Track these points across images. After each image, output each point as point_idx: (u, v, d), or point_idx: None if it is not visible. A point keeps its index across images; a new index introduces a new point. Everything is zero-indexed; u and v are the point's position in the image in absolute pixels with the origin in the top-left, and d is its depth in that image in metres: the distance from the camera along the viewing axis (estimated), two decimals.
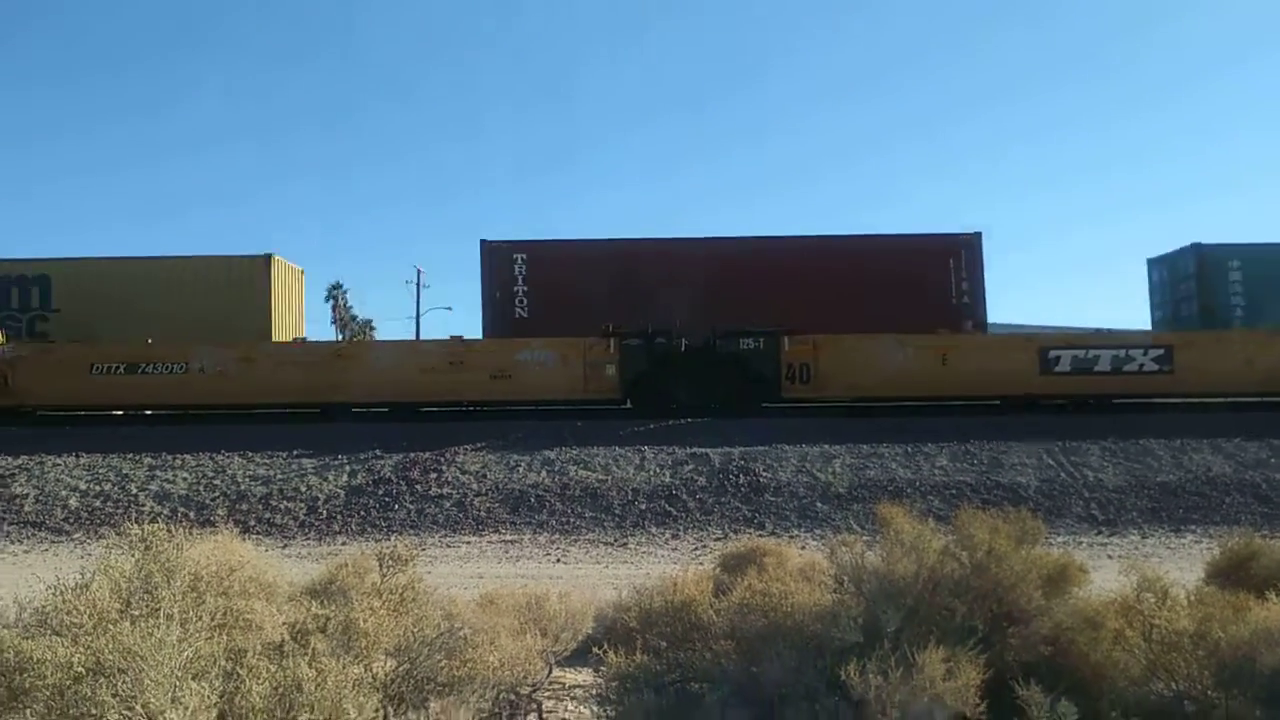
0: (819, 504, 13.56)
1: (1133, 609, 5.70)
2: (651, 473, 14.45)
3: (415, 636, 4.59)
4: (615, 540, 12.56)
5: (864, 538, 9.89)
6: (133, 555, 3.91)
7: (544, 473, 14.51)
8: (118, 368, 18.59)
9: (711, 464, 14.73)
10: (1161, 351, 18.69)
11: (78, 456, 15.63)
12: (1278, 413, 17.57)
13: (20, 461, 15.42)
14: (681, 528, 13.01)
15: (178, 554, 3.94)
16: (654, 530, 12.91)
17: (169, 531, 4.12)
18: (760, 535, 12.13)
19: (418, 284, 46.71)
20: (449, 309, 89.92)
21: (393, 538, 12.84)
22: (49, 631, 3.43)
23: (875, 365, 18.68)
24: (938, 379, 18.65)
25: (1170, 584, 6.05)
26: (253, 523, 13.30)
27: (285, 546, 12.46)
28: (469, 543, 12.59)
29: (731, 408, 18.03)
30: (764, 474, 14.31)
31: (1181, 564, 9.91)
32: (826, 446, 15.35)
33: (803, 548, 11.03)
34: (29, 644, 3.23)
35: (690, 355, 18.95)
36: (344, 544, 12.69)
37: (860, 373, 18.69)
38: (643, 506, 13.55)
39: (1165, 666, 5.20)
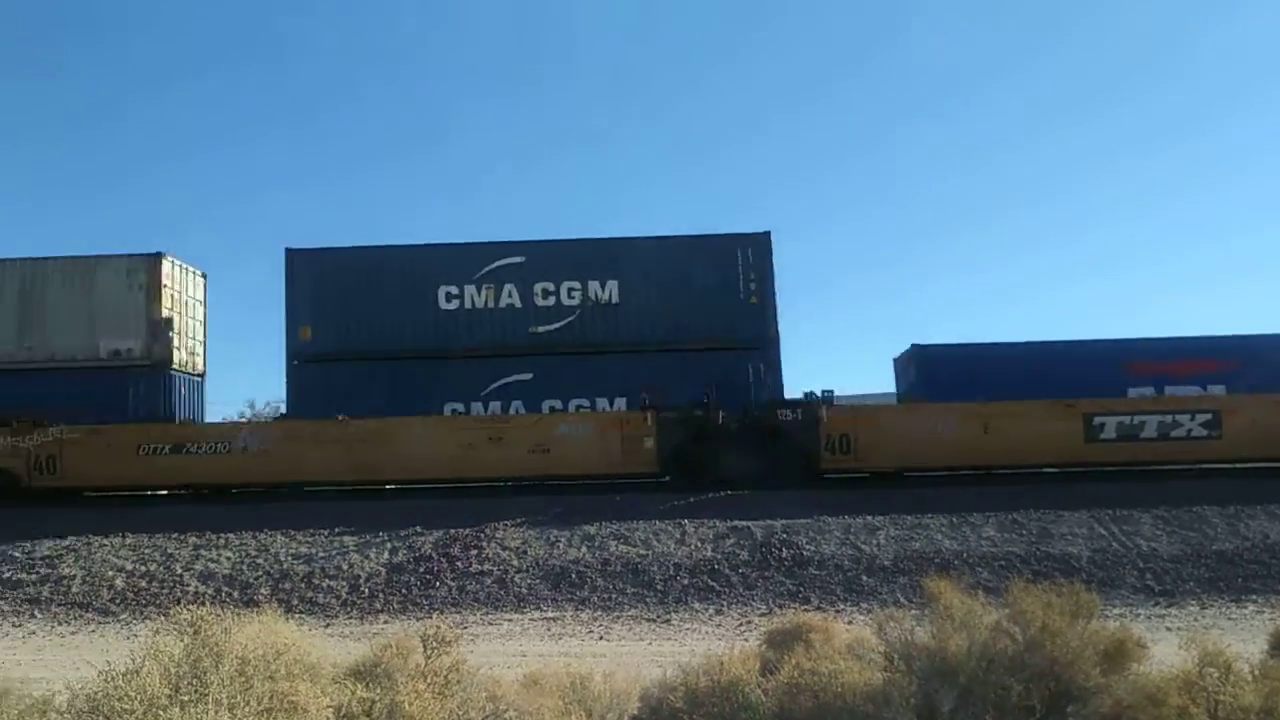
0: (864, 577, 13.33)
1: (1196, 684, 5.52)
2: (693, 547, 14.30)
3: (461, 719, 4.55)
4: (658, 616, 12.40)
5: (912, 612, 9.72)
6: (181, 639, 3.92)
7: (584, 548, 14.42)
8: (163, 448, 18.88)
9: (753, 537, 14.57)
10: (1210, 416, 18.34)
11: (124, 537, 15.78)
12: None
13: (68, 542, 15.60)
14: (725, 603, 12.84)
15: (226, 638, 3.95)
16: (697, 606, 12.74)
17: (217, 614, 4.13)
18: (805, 610, 11.92)
19: None
20: None
21: (434, 616, 12.79)
22: (101, 718, 3.45)
23: (916, 435, 18.49)
24: (981, 448, 18.41)
25: (1234, 657, 5.86)
26: (295, 602, 13.31)
27: (328, 625, 12.43)
28: (510, 620, 12.49)
29: (771, 480, 17.88)
30: (807, 547, 14.13)
31: (1243, 635, 9.56)
32: (869, 518, 15.13)
33: (849, 622, 10.83)
34: None
35: (728, 427, 18.88)
36: (386, 623, 12.65)
37: (901, 443, 18.50)
38: (685, 581, 13.40)
39: None
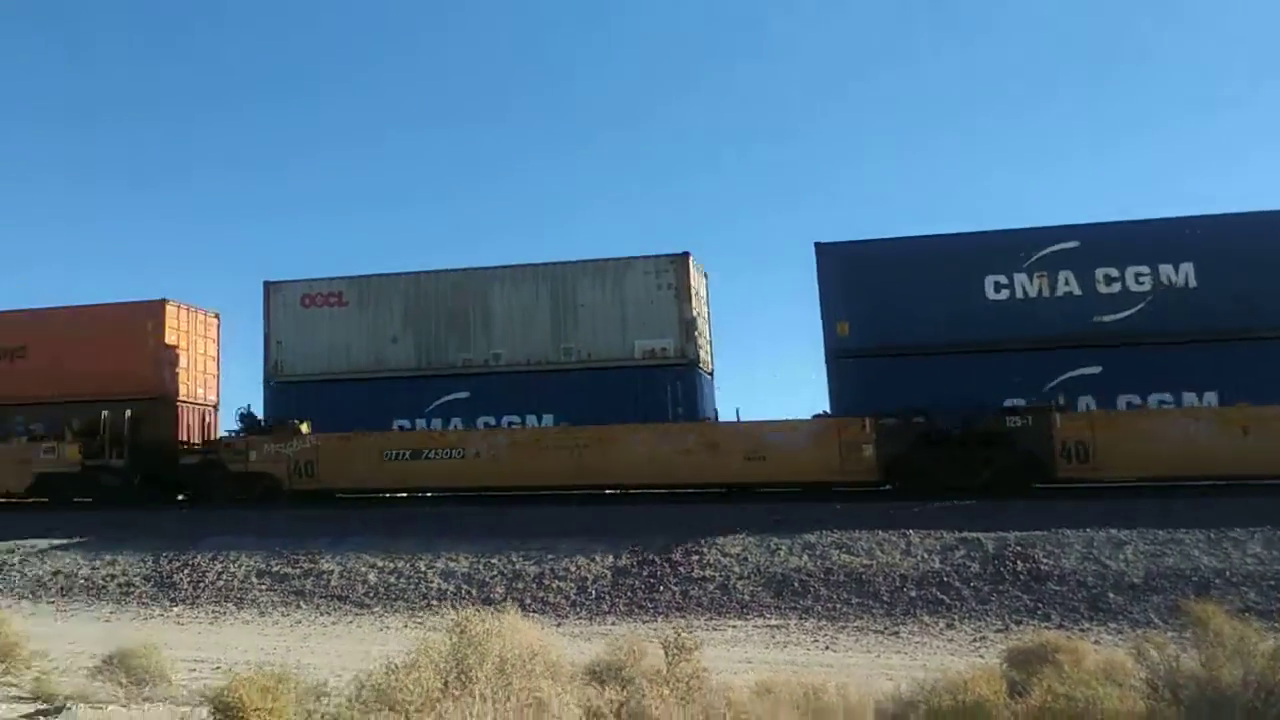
0: (1111, 595, 12.45)
1: None
2: (919, 558, 13.87)
3: None
4: (885, 628, 12.11)
5: (1170, 635, 9.02)
6: (449, 637, 4.21)
7: (805, 556, 14.30)
8: (405, 454, 20.29)
9: (984, 549, 13.94)
10: None
11: (373, 535, 17.08)
12: None
13: (326, 541, 17.04)
14: (956, 617, 12.36)
15: (487, 638, 4.21)
16: (926, 619, 12.34)
17: (479, 616, 4.41)
18: (1046, 628, 11.28)
19: None
20: None
21: (659, 620, 13.07)
22: (384, 707, 3.76)
23: (1164, 442, 17.11)
24: (1239, 455, 16.80)
25: None
26: (529, 601, 13.94)
27: (559, 625, 12.95)
28: (734, 626, 12.56)
29: (999, 489, 17.07)
30: (1045, 561, 13.37)
31: None
32: (1114, 531, 14.13)
33: (1096, 643, 10.18)
34: (372, 718, 3.55)
35: (952, 434, 18.18)
36: (613, 624, 13.03)
37: (1146, 450, 17.16)
38: (912, 593, 13.01)
39: None
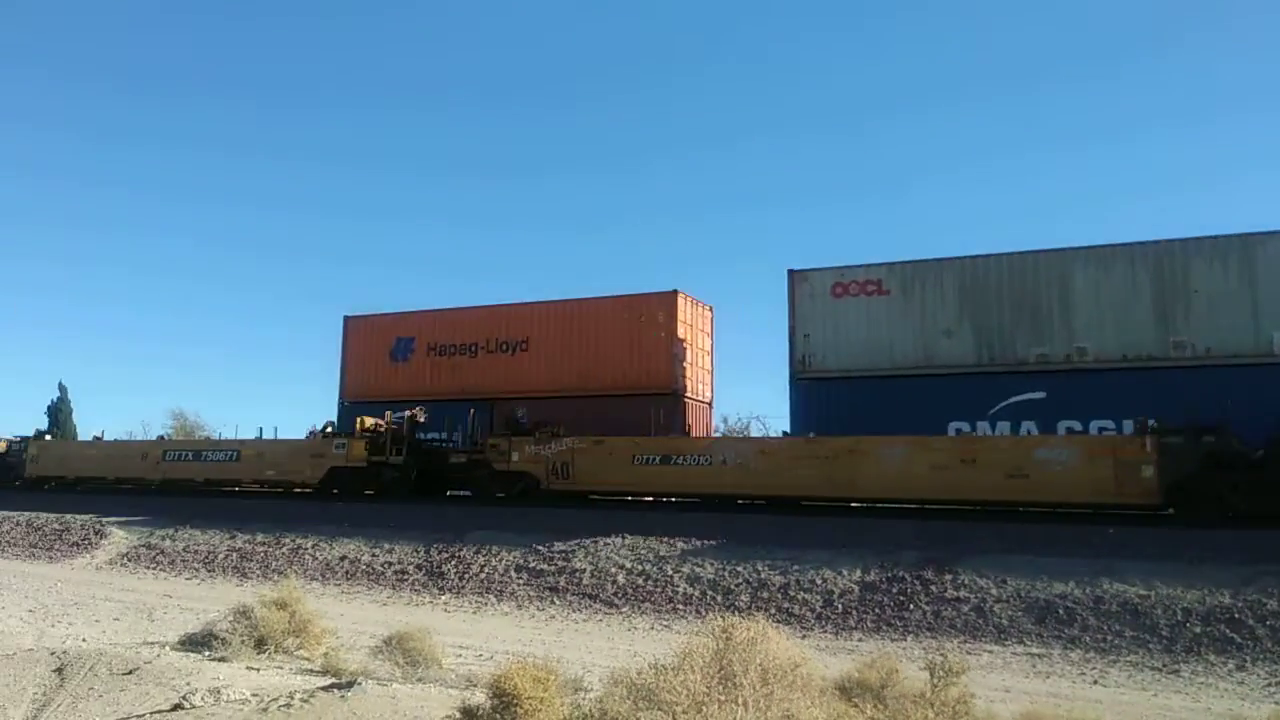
0: None
1: None
2: (1205, 591, 12.63)
3: None
4: (1164, 665, 11.13)
5: None
6: (715, 642, 4.31)
7: (1072, 582, 13.39)
8: (654, 459, 20.82)
9: None
10: None
11: (623, 537, 17.65)
12: None
13: (579, 540, 17.80)
14: (1248, 658, 11.17)
15: (751, 645, 4.28)
16: (1213, 659, 11.23)
17: (746, 625, 4.48)
18: None
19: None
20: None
21: (909, 639, 12.70)
22: (653, 707, 3.91)
23: None
24: None
25: None
26: (773, 610, 13.93)
27: (804, 637, 12.84)
28: (990, 652, 11.98)
29: None
30: None
31: None
32: None
33: None
34: (643, 715, 3.71)
35: (1249, 455, 16.41)
36: (859, 640, 12.79)
37: None
38: (1196, 629, 11.87)
39: None
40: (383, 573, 17.94)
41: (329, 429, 25.53)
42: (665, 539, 17.32)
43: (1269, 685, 10.32)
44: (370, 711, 6.65)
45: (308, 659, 9.97)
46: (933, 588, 13.94)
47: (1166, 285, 18.87)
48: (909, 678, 6.59)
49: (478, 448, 23.83)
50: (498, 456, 22.71)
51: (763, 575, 15.14)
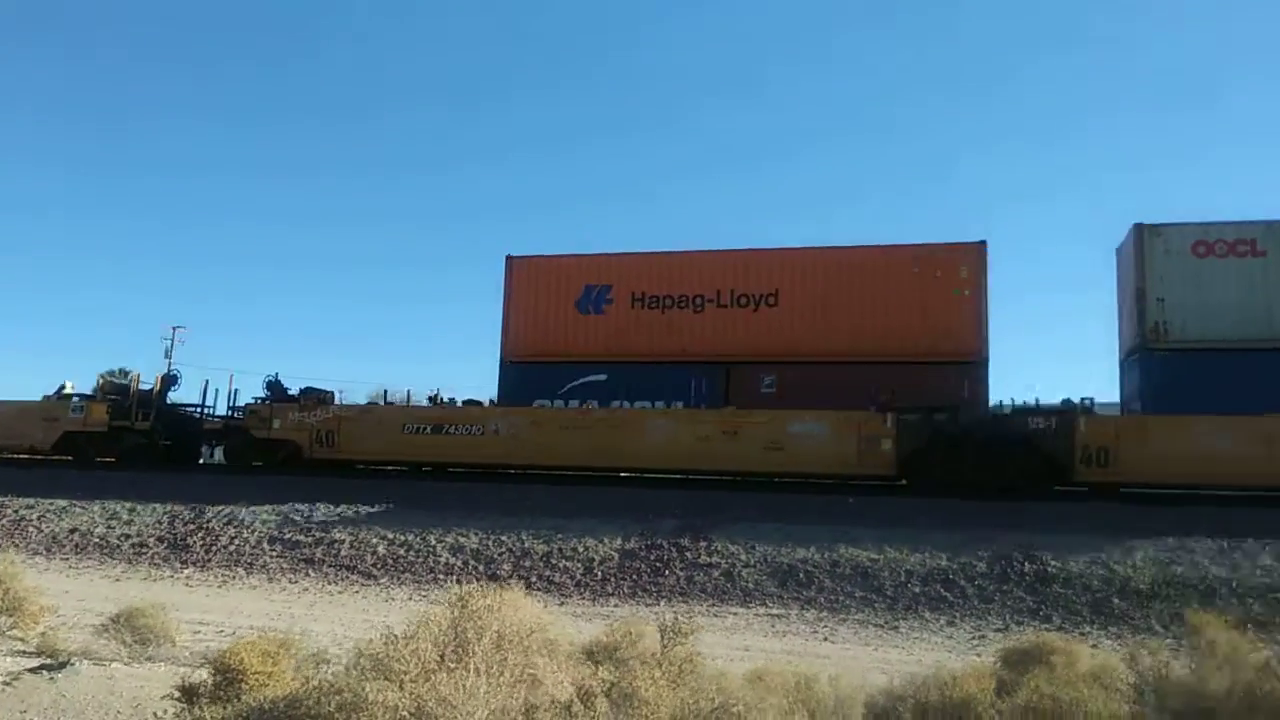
0: (1115, 599, 12.47)
1: None
2: (927, 554, 13.91)
3: (691, 709, 4.75)
4: (886, 623, 12.20)
5: (1169, 643, 9.07)
6: (450, 611, 4.34)
7: (813, 548, 14.37)
8: (425, 428, 20.50)
9: (993, 548, 13.97)
10: None
11: (387, 506, 17.31)
12: None
13: (340, 510, 17.28)
14: (958, 614, 12.43)
15: (488, 614, 4.34)
16: (928, 615, 12.42)
17: (481, 590, 4.53)
18: (1046, 629, 11.32)
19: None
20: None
21: (662, 603, 13.21)
22: (382, 675, 3.90)
23: (1188, 450, 16.95)
24: (1265, 468, 16.63)
25: None
26: (534, 579, 14.11)
27: (562, 604, 13.11)
28: (735, 614, 12.68)
29: (1017, 490, 17.05)
30: (1052, 563, 13.39)
31: None
32: (1126, 537, 14.12)
33: (1094, 646, 10.22)
34: (369, 686, 3.69)
35: (973, 433, 18.17)
36: (616, 605, 13.18)
37: (1170, 458, 17.01)
38: (916, 589, 13.08)
39: None
40: (118, 546, 16.70)
41: (66, 389, 23.39)
42: (432, 509, 17.13)
43: (973, 639, 11.51)
44: (82, 694, 6.23)
45: (21, 639, 9.17)
46: (688, 554, 14.56)
47: None
48: (652, 640, 6.89)
49: (234, 415, 22.63)
50: (258, 424, 21.66)
51: (526, 544, 15.29)
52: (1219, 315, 18.22)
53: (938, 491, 17.09)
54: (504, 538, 15.55)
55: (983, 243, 20.20)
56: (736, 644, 10.88)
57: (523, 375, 21.89)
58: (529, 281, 22.60)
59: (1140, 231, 18.96)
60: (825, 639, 11.46)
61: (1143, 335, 18.60)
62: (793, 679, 6.64)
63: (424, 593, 13.84)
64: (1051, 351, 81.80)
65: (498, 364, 22.43)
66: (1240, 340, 18.04)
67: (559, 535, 15.48)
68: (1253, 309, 18.13)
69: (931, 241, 20.60)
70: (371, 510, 17.24)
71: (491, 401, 22.09)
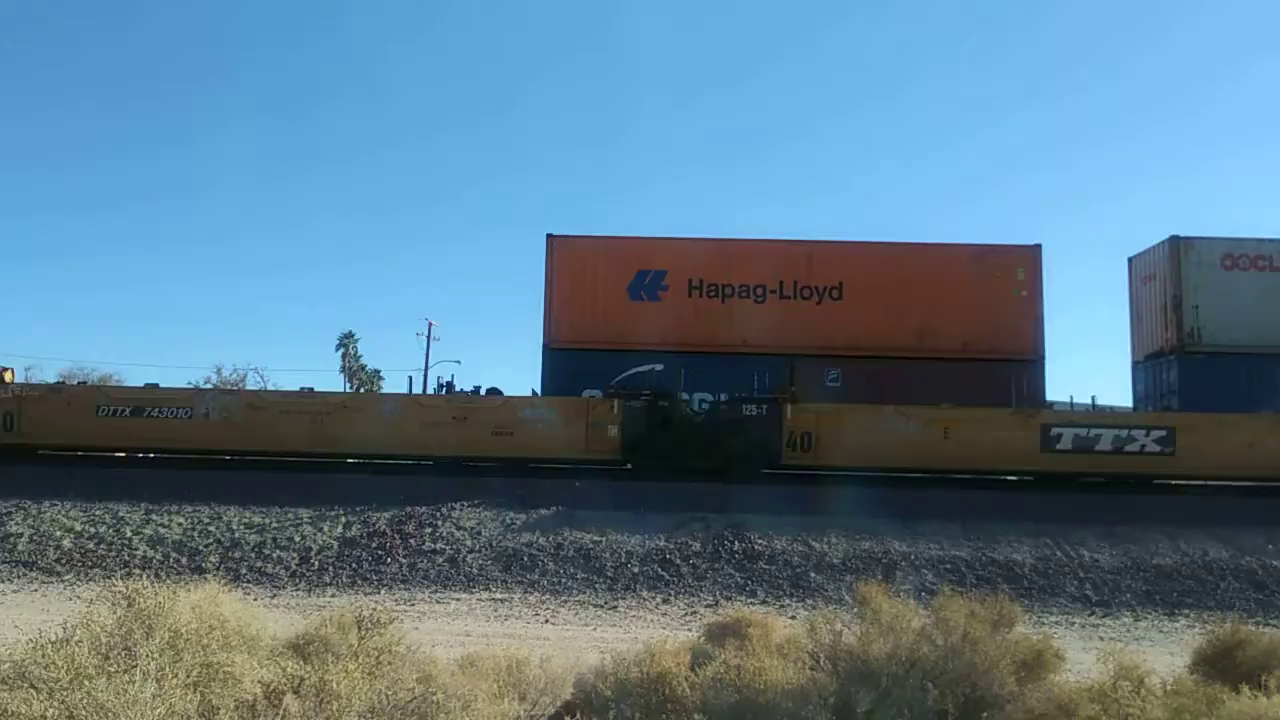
0: (812, 574, 13.53)
1: (1108, 696, 5.71)
2: (647, 535, 14.45)
3: (389, 700, 4.64)
4: (605, 603, 12.55)
5: (849, 613, 9.90)
6: (115, 610, 3.99)
7: (538, 532, 14.53)
8: (124, 410, 18.75)
9: (708, 529, 14.74)
10: (1164, 433, 18.66)
11: (76, 499, 15.70)
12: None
13: (18, 500, 15.50)
14: (673, 592, 13.00)
15: (161, 610, 4.02)
16: (645, 594, 12.90)
17: (156, 585, 4.20)
18: (751, 604, 12.12)
19: (428, 337, 46.91)
20: (458, 362, 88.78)
21: (383, 592, 12.88)
22: (26, 684, 3.51)
23: (878, 436, 18.67)
24: (940, 452, 18.63)
25: (1147, 672, 6.07)
26: (244, 571, 13.34)
27: (274, 596, 12.48)
28: (458, 600, 12.59)
29: (732, 473, 18.03)
30: (759, 541, 14.31)
31: (1173, 648, 9.82)
32: (824, 516, 15.33)
33: (792, 618, 11.00)
34: (4, 696, 3.31)
35: (692, 419, 19.03)
36: (333, 595, 12.71)
37: (862, 443, 18.66)
38: (636, 570, 13.55)
39: None
40: None
41: None
42: (128, 499, 15.71)
43: (686, 615, 12.08)
44: None
45: None
46: (411, 541, 14.28)
47: None
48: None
49: None
50: None
51: (237, 534, 14.40)
52: (1245, 323, 19.91)
53: (660, 475, 17.76)
54: (211, 528, 14.57)
55: (1038, 245, 20.94)
56: (458, 629, 10.80)
57: (569, 363, 20.63)
58: (573, 263, 21.22)
59: (1176, 243, 20.38)
60: (547, 621, 11.62)
61: (1180, 339, 20.08)
62: (504, 662, 6.69)
63: (118, 590, 12.68)
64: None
65: (541, 351, 21.15)
66: (1261, 346, 19.82)
67: (274, 525, 14.70)
68: (1272, 318, 19.91)
69: (990, 242, 21.30)
70: (56, 500, 15.56)
71: (534, 392, 20.51)
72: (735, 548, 14.14)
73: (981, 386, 19.62)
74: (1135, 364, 22.26)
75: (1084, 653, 8.13)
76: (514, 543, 14.22)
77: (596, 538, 14.33)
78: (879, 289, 20.75)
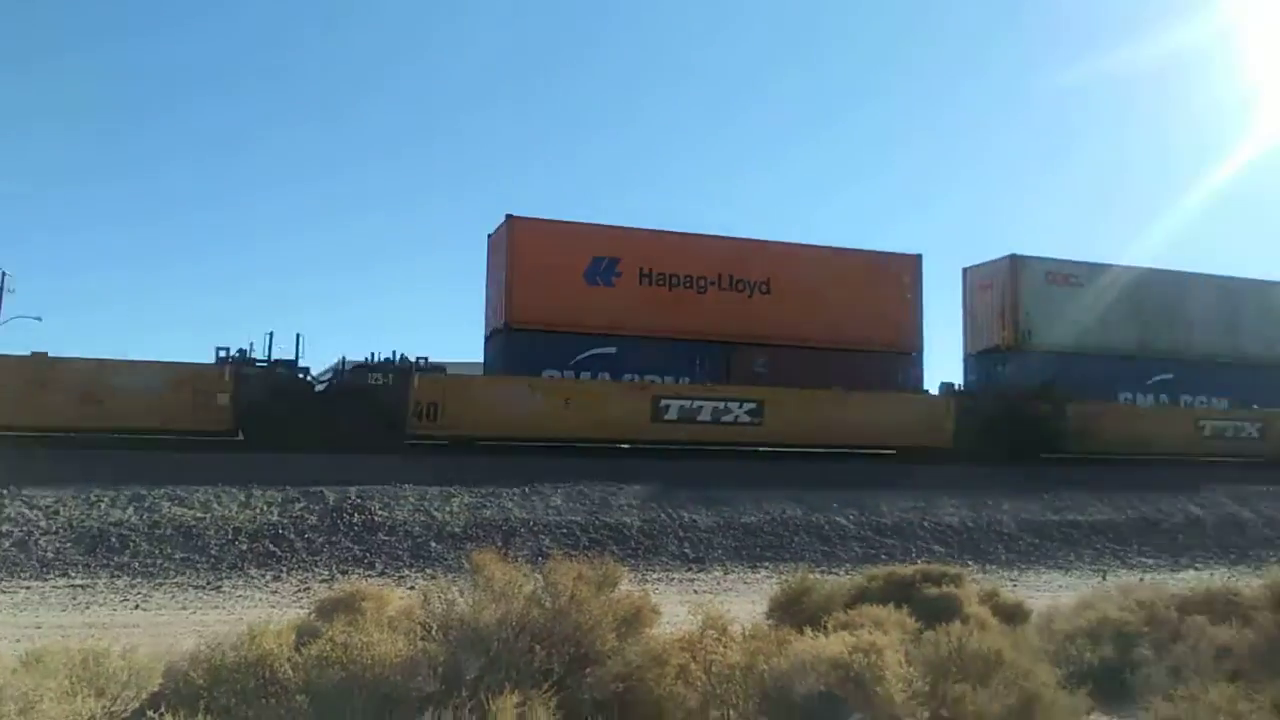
0: (433, 543, 13.50)
1: (697, 645, 6.27)
2: (258, 510, 13.61)
3: None
4: (208, 583, 11.64)
5: (468, 581, 10.02)
6: None
7: (131, 509, 13.16)
8: None
9: (325, 501, 14.17)
10: (754, 405, 20.82)
11: None
12: (853, 463, 20.30)
13: None
14: (285, 569, 12.36)
15: None
16: (254, 572, 12.15)
17: None
18: (370, 576, 11.87)
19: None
20: (38, 319, 76.41)
21: None
22: None
23: (502, 406, 19.05)
24: (561, 422, 19.41)
25: (731, 620, 6.75)
26: None
27: None
28: (29, 588, 11.08)
29: (356, 443, 17.48)
30: (379, 512, 14.02)
31: (754, 597, 10.97)
32: (447, 486, 15.34)
33: (412, 588, 10.91)
34: None
35: (311, 387, 18.20)
36: None
37: (487, 413, 18.97)
38: (244, 547, 12.71)
39: (720, 698, 5.72)
40: None
41: None
42: None
43: (298, 592, 11.55)
44: None
45: None
46: None
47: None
48: None
49: None
50: None
51: None
52: (1063, 328, 24.45)
53: (277, 446, 16.80)
54: None
55: (919, 255, 24.35)
56: (26, 622, 9.51)
57: (529, 342, 20.97)
58: (534, 245, 21.47)
59: (1015, 261, 24.68)
60: (137, 607, 10.56)
61: (1015, 338, 24.26)
62: (79, 656, 5.99)
63: None
64: None
65: (485, 330, 22.38)
66: (1073, 347, 24.46)
67: None
68: (1079, 326, 24.44)
69: (884, 250, 24.60)
70: None
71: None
72: (354, 520, 13.74)
73: (878, 375, 22.79)
74: (968, 356, 26.11)
75: (680, 605, 8.87)
76: (100, 522, 12.75)
77: (199, 514, 13.25)
78: (800, 287, 22.95)
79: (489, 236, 22.78)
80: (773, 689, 5.63)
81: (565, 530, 14.34)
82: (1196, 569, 15.38)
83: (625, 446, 20.56)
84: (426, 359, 19.27)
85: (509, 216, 21.72)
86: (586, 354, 21.31)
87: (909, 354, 24.00)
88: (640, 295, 22.00)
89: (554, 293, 21.38)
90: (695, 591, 12.12)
